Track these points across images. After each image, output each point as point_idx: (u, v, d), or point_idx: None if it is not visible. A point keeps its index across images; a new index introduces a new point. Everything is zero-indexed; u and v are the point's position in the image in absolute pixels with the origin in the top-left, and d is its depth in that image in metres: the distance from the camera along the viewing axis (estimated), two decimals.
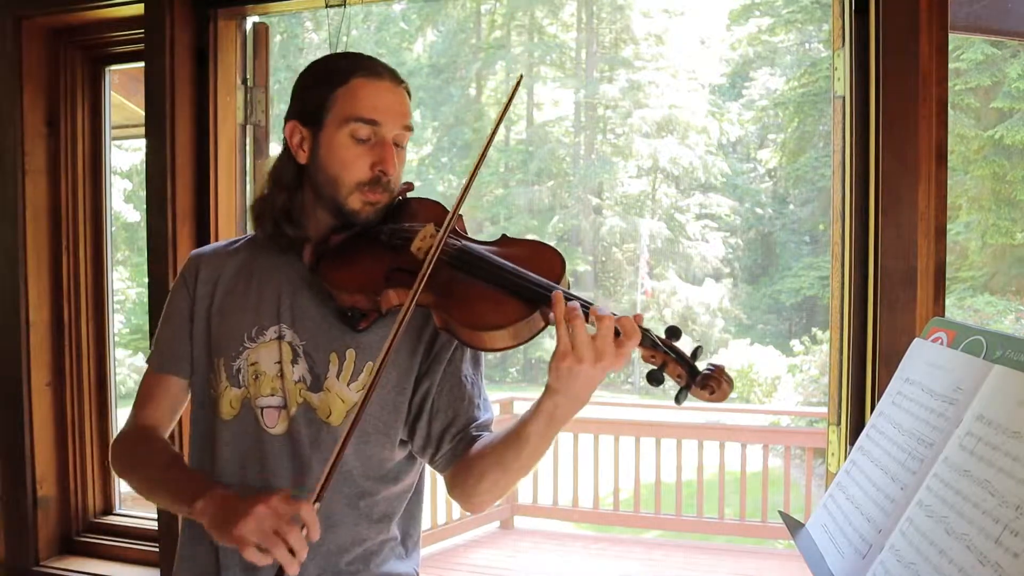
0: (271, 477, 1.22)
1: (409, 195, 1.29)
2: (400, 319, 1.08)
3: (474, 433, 1.24)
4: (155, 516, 2.13)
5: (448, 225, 1.13)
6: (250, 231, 1.38)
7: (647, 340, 1.03)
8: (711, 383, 1.01)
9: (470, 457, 1.21)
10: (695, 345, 1.05)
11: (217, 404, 1.25)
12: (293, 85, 1.28)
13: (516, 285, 1.10)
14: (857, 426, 1.62)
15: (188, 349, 1.30)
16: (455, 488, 1.25)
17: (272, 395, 1.22)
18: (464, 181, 1.14)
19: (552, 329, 1.06)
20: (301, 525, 1.04)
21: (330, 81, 1.22)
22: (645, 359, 1.04)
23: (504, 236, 1.24)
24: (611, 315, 1.02)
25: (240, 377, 1.24)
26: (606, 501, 6.49)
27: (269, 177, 1.29)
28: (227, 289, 1.29)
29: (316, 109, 1.22)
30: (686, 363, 1.03)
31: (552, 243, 1.27)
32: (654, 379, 1.04)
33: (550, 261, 1.15)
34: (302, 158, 1.24)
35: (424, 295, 1.12)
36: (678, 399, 1.04)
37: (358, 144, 1.20)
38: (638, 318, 1.04)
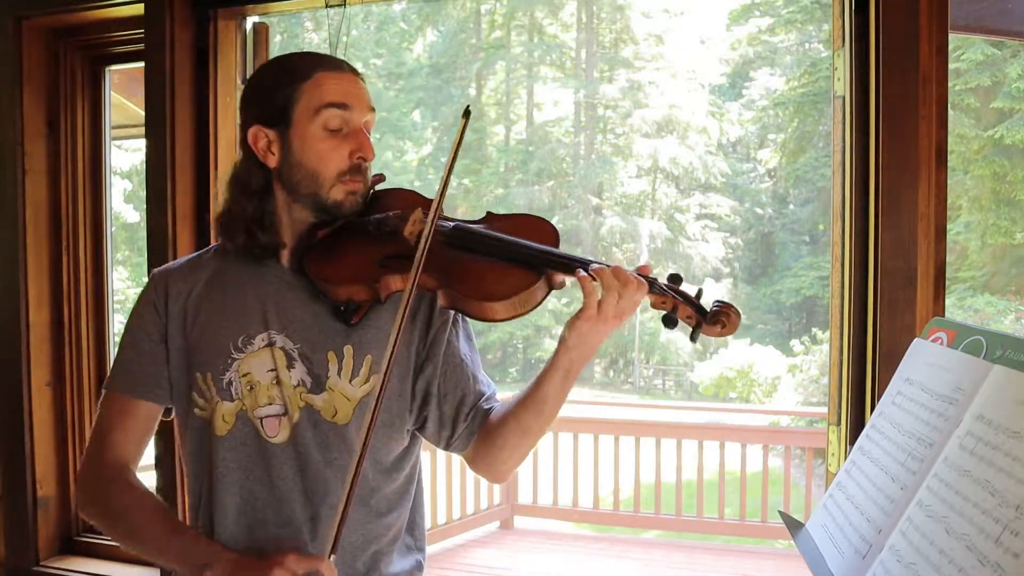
0: (278, 488, 1.20)
1: (378, 187, 1.28)
2: (404, 304, 1.09)
3: (486, 407, 1.26)
4: None
5: (438, 203, 1.14)
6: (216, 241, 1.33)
7: (656, 287, 1.11)
8: (721, 318, 1.10)
9: (489, 428, 1.24)
10: (698, 288, 1.14)
11: (210, 421, 1.21)
12: (243, 92, 1.26)
13: (519, 254, 1.15)
14: (857, 426, 1.62)
15: (164, 373, 1.25)
16: (478, 462, 1.28)
17: (270, 404, 1.20)
18: (443, 173, 1.16)
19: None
20: None
21: (292, 79, 1.19)
22: (656, 305, 1.12)
23: (489, 213, 1.26)
24: (626, 272, 1.10)
25: (232, 390, 1.20)
26: (606, 501, 6.49)
27: (232, 187, 1.24)
28: (200, 302, 1.25)
29: (281, 108, 1.19)
30: (694, 304, 1.11)
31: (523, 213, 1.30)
32: (669, 321, 1.12)
33: (541, 229, 1.19)
34: (272, 161, 1.21)
35: (426, 278, 1.13)
36: (692, 338, 1.12)
37: (332, 135, 1.19)
38: (644, 269, 1.12)
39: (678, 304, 1.11)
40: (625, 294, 1.08)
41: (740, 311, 1.11)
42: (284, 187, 1.22)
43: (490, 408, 1.26)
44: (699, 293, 1.12)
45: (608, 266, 1.11)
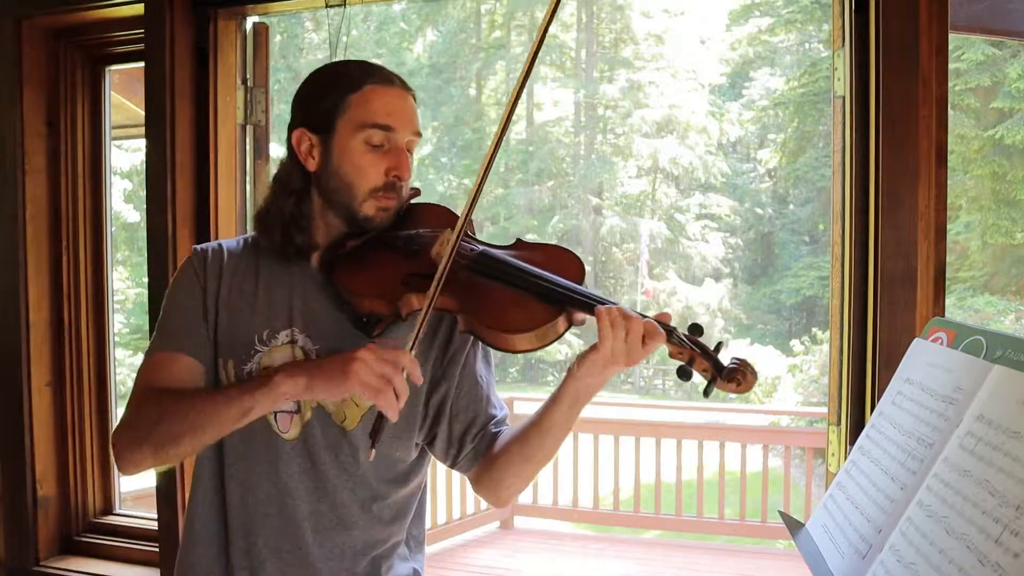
0: (283, 483, 1.21)
1: (414, 201, 1.29)
2: (419, 323, 1.10)
3: (494, 430, 1.27)
4: (155, 516, 2.13)
5: (461, 228, 1.14)
6: (250, 232, 1.36)
7: (675, 337, 1.09)
8: (736, 376, 1.07)
9: (495, 453, 1.24)
10: (717, 341, 1.11)
11: None
12: (296, 93, 1.26)
13: (543, 288, 1.13)
14: (857, 426, 1.62)
15: (208, 337, 1.24)
16: (481, 485, 1.29)
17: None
18: (477, 178, 1.15)
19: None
20: (402, 369, 1.07)
21: (341, 87, 1.20)
22: (673, 355, 1.10)
23: (519, 240, 1.26)
24: (639, 317, 1.07)
25: None
26: (606, 501, 6.49)
27: (274, 185, 1.26)
28: (231, 288, 1.26)
29: (326, 115, 1.20)
30: (711, 358, 1.08)
31: (553, 243, 1.30)
32: (684, 374, 1.10)
33: (569, 265, 1.18)
34: (312, 165, 1.23)
35: (446, 299, 1.13)
36: (706, 392, 1.10)
37: (372, 150, 1.20)
38: (664, 317, 1.10)
39: (695, 356, 1.08)
40: (632, 338, 1.06)
41: (757, 371, 1.08)
42: (320, 192, 1.24)
43: (498, 432, 1.27)
44: (718, 347, 1.09)
45: (614, 303, 1.09)
